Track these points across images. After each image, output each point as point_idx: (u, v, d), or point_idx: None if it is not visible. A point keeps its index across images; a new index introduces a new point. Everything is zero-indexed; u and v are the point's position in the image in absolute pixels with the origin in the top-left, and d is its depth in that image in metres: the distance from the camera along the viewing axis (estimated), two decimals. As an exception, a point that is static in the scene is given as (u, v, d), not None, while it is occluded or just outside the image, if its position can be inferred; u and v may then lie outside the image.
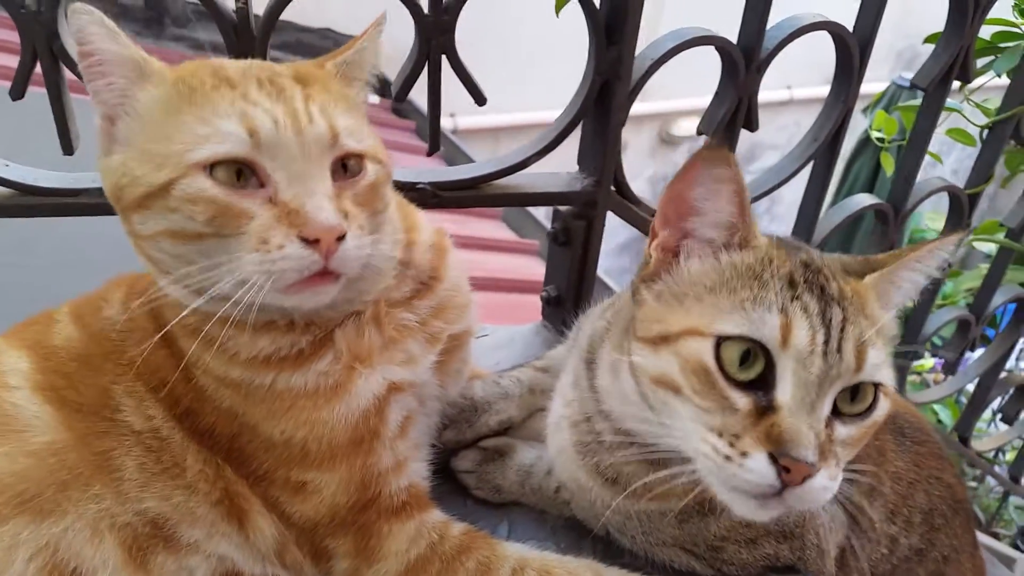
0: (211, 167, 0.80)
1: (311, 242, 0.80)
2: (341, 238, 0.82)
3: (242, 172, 0.81)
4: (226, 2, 1.12)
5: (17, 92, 1.11)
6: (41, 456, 0.87)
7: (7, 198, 1.20)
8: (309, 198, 0.81)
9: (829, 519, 1.06)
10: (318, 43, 5.20)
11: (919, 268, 0.88)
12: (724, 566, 1.05)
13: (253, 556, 0.96)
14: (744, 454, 0.75)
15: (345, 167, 0.87)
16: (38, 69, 1.10)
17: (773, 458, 0.74)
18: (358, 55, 0.93)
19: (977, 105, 1.96)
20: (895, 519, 1.09)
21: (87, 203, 1.17)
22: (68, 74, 1.11)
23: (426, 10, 1.15)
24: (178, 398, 0.93)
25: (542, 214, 4.07)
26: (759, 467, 0.75)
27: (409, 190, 1.28)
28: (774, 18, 1.34)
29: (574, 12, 1.26)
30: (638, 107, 1.36)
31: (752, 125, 1.40)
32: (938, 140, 2.13)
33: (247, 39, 1.09)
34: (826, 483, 0.76)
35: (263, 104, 0.82)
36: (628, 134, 6.65)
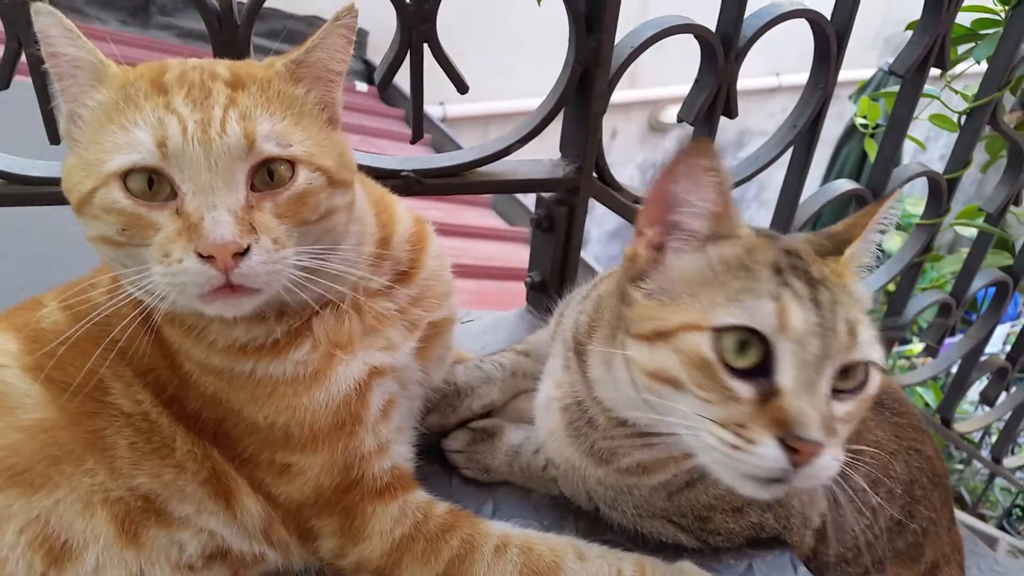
0: (124, 176, 0.81)
1: (207, 257, 0.79)
2: (243, 253, 0.80)
3: (154, 181, 0.81)
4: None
5: (3, 82, 1.12)
6: (32, 432, 0.89)
7: (-3, 188, 1.21)
8: (208, 212, 0.79)
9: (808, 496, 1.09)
10: (304, 30, 5.11)
11: (882, 226, 0.92)
12: (711, 536, 1.09)
13: (241, 534, 0.99)
14: (752, 442, 0.76)
15: (272, 174, 0.85)
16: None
17: (782, 442, 0.75)
18: (308, 55, 0.89)
19: (956, 91, 1.99)
20: (877, 490, 1.10)
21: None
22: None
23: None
24: (164, 384, 0.95)
25: (531, 202, 4.08)
26: (769, 452, 0.76)
27: (392, 177, 1.30)
28: (753, 6, 1.36)
29: (558, 1, 1.27)
30: (627, 94, 1.38)
31: (732, 112, 1.42)
32: (926, 127, 2.15)
33: (230, 29, 1.11)
34: (831, 460, 0.78)
35: (181, 112, 0.81)
36: (617, 121, 6.68)
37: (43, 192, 1.23)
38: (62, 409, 0.91)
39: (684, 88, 1.42)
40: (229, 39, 1.11)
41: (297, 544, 1.02)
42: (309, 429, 0.96)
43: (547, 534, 1.04)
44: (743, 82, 1.41)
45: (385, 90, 1.23)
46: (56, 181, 1.20)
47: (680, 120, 1.41)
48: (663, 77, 5.55)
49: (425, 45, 1.20)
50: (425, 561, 0.98)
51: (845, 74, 1.48)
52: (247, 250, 0.80)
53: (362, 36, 5.38)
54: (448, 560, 0.98)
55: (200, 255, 0.79)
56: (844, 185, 1.68)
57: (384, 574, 0.99)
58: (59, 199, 1.21)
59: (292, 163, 0.86)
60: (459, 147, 4.09)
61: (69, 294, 1.03)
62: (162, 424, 0.94)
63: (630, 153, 6.65)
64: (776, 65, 6.58)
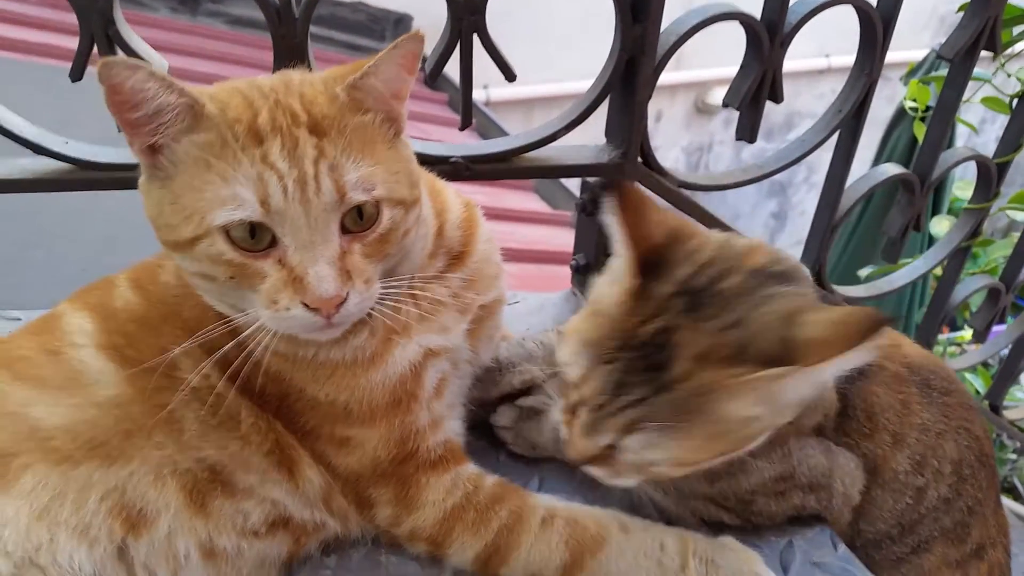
0: (227, 227, 0.85)
1: (313, 307, 0.87)
2: (343, 302, 0.88)
3: (256, 230, 0.86)
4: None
5: (77, 74, 1.18)
6: (107, 408, 0.96)
7: (67, 173, 1.28)
8: (311, 266, 0.86)
9: (854, 467, 1.10)
10: (350, 16, 5.24)
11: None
12: (753, 516, 1.11)
13: (302, 502, 1.05)
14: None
15: (361, 213, 0.90)
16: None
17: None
18: (365, 79, 0.89)
19: (1009, 74, 1.96)
20: (923, 470, 1.12)
21: (141, 178, 1.25)
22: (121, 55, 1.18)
23: (458, -10, 1.19)
24: (230, 360, 0.99)
25: (574, 185, 4.08)
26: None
27: (442, 163, 1.34)
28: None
29: (602, -13, 1.28)
30: (674, 76, 1.39)
31: (778, 97, 1.43)
32: (981, 109, 2.12)
33: (289, 22, 1.15)
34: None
35: (279, 167, 0.84)
36: (663, 104, 6.63)
37: (110, 177, 1.29)
38: (133, 385, 0.97)
39: (731, 70, 1.42)
40: (288, 32, 1.16)
41: (355, 513, 1.07)
42: (367, 406, 1.02)
43: (592, 507, 1.08)
44: (791, 63, 1.41)
45: (435, 80, 1.27)
46: (122, 167, 1.28)
47: (726, 105, 1.43)
48: (710, 59, 5.49)
49: (475, 35, 1.23)
50: (475, 531, 1.03)
51: (896, 55, 1.46)
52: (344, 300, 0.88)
53: (406, 22, 5.42)
54: (497, 530, 1.03)
55: (306, 305, 0.86)
56: (890, 169, 1.68)
57: (436, 542, 1.04)
58: (125, 184, 1.28)
59: (377, 202, 0.90)
60: (503, 131, 4.11)
61: (139, 274, 1.09)
62: (228, 398, 1.00)
63: (676, 135, 6.60)
64: (825, 46, 6.45)
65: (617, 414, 0.86)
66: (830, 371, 0.80)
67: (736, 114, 1.44)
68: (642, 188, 0.90)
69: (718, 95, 6.58)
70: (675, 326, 0.84)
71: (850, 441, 1.10)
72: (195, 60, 3.98)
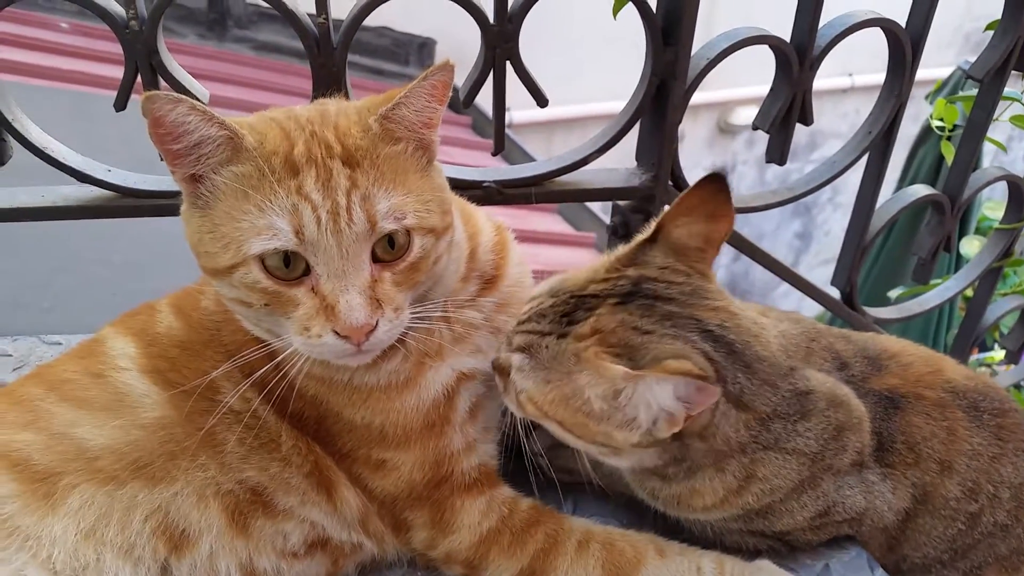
0: (262, 255, 0.88)
1: (344, 335, 0.89)
2: (372, 330, 0.90)
3: (290, 259, 0.88)
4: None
5: (121, 103, 1.22)
6: (151, 430, 0.98)
7: (110, 200, 1.32)
8: (343, 295, 0.88)
9: (887, 506, 1.08)
10: (375, 41, 5.31)
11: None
12: (790, 543, 1.11)
13: (340, 524, 1.06)
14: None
15: (392, 242, 0.91)
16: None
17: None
18: (397, 110, 0.91)
19: (1039, 93, 1.95)
20: (976, 496, 1.09)
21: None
22: (164, 85, 1.21)
23: (491, 19, 1.22)
24: (270, 384, 1.01)
25: (598, 208, 4.10)
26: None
27: (474, 188, 1.35)
28: (827, 14, 1.37)
29: (626, 10, 1.29)
30: (696, 96, 1.39)
31: (807, 119, 1.44)
32: (1008, 127, 2.11)
33: (328, 51, 1.18)
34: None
35: (313, 199, 0.86)
36: (685, 124, 6.57)
37: (151, 204, 1.32)
38: (176, 407, 0.99)
39: (753, 90, 1.44)
40: (327, 61, 1.19)
41: (391, 535, 1.08)
42: (402, 429, 1.03)
43: (628, 531, 1.08)
44: (815, 83, 1.42)
45: (467, 107, 1.29)
46: (163, 194, 1.31)
47: (755, 128, 1.43)
48: (732, 79, 5.51)
49: (507, 62, 1.25)
50: (511, 554, 1.03)
51: (921, 73, 1.45)
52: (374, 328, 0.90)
53: (429, 46, 5.49)
54: (533, 554, 1.03)
55: (337, 333, 0.88)
56: (920, 191, 1.67)
57: (472, 565, 1.05)
58: (165, 211, 1.32)
59: (408, 231, 0.92)
60: (526, 153, 4.11)
61: (181, 300, 1.12)
62: (268, 421, 1.01)
63: (698, 156, 6.61)
64: (849, 65, 6.45)
65: (523, 333, 0.99)
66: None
67: (759, 134, 1.45)
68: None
69: (740, 115, 6.59)
70: (608, 300, 0.96)
71: (895, 472, 1.08)
72: (222, 86, 4.06)
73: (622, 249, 1.02)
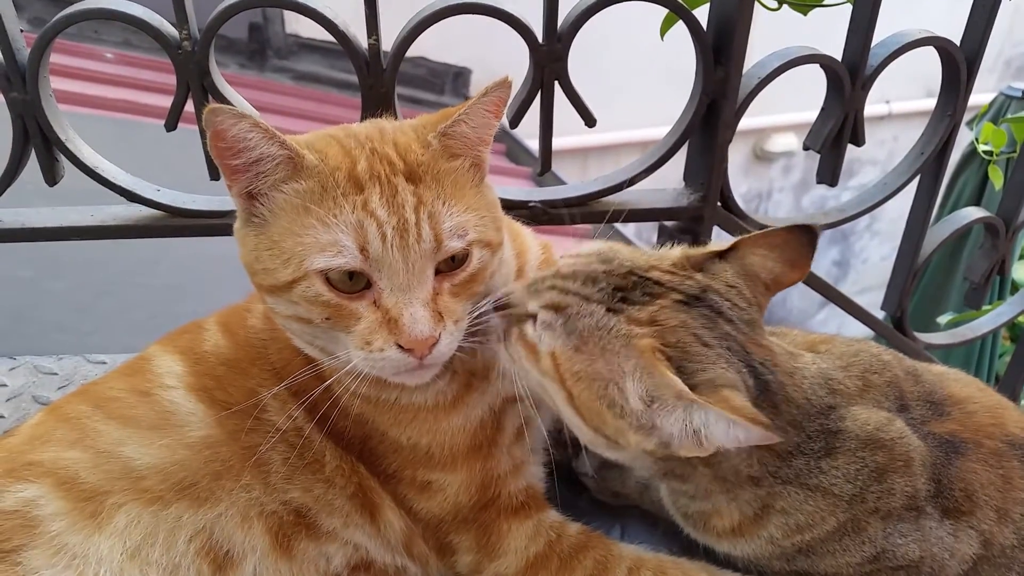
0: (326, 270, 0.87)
1: (407, 348, 0.88)
2: (435, 343, 0.89)
3: (353, 273, 0.87)
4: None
5: (171, 124, 1.23)
6: (197, 449, 0.97)
7: (159, 219, 1.33)
8: (406, 308, 0.87)
9: (948, 553, 1.04)
10: (411, 70, 5.38)
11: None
12: None
13: (384, 546, 1.04)
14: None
15: (454, 258, 0.91)
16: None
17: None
18: (456, 126, 0.92)
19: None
20: None
21: (232, 224, 1.28)
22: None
23: (540, 39, 1.22)
24: (316, 403, 1.00)
25: (631, 231, 4.08)
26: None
27: (521, 208, 1.34)
28: (877, 34, 1.35)
29: (654, 39, 1.30)
30: (732, 124, 1.37)
31: (859, 140, 1.41)
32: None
33: (377, 73, 1.18)
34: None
35: (379, 215, 0.85)
36: (720, 152, 6.61)
37: (200, 224, 1.33)
38: (222, 426, 0.99)
39: (789, 116, 1.43)
40: (376, 82, 1.19)
41: (436, 559, 1.06)
42: (448, 450, 1.01)
43: (679, 559, 1.04)
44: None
45: (515, 127, 1.29)
46: (211, 214, 1.31)
47: (807, 148, 1.41)
48: (768, 106, 5.48)
49: (556, 82, 1.24)
50: None
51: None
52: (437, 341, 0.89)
53: (465, 75, 5.55)
54: None
55: (400, 346, 0.87)
56: (974, 213, 1.64)
57: None
58: (213, 231, 1.32)
59: (468, 247, 0.92)
60: (560, 180, 4.12)
61: (228, 318, 1.12)
62: (313, 440, 1.00)
63: (734, 183, 6.50)
64: (886, 92, 6.40)
65: (559, 291, 0.92)
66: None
67: (795, 161, 1.43)
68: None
69: (776, 142, 6.55)
70: (671, 295, 0.91)
71: (953, 520, 1.05)
72: (263, 115, 4.09)
73: (690, 249, 0.99)
